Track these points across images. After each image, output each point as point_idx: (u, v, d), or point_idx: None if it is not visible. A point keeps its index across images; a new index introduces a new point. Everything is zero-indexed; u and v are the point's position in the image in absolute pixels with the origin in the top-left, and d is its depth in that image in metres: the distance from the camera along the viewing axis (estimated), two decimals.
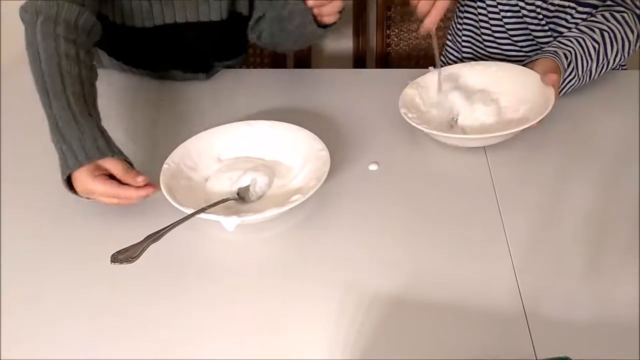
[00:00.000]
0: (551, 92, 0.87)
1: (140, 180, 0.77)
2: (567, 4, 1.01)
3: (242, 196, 0.82)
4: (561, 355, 0.56)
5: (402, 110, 0.91)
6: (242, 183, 0.83)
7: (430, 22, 0.90)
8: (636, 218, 0.75)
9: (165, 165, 0.83)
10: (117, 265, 0.67)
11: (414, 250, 0.73)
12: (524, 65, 0.96)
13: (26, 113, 0.97)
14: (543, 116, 0.84)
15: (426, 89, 0.98)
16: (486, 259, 0.71)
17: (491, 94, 0.96)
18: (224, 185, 0.84)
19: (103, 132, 0.81)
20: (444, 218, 0.78)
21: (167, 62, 1.14)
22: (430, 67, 1.01)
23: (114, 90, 1.12)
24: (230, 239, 0.77)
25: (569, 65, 0.93)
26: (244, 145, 0.92)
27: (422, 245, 0.74)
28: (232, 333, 0.64)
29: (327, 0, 0.95)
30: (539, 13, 1.04)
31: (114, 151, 0.79)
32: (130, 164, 0.81)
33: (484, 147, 0.90)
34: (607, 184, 0.81)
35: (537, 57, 0.96)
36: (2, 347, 0.64)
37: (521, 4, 1.04)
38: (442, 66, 1.01)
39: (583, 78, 0.96)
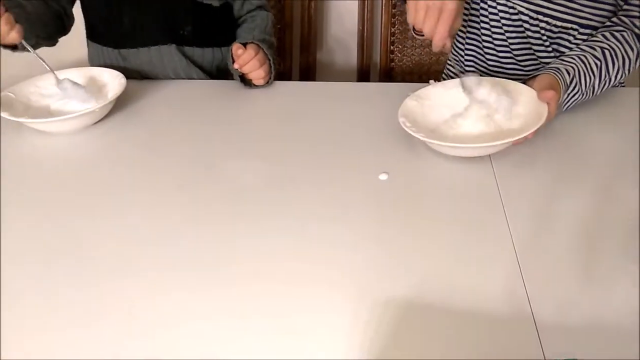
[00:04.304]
0: (544, 108, 0.90)
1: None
2: (569, 25, 1.05)
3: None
4: (570, 357, 0.58)
5: (401, 119, 0.93)
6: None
7: (439, 40, 0.88)
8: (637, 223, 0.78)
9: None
10: None
11: (425, 257, 0.75)
12: (525, 82, 0.99)
13: None
14: (538, 127, 0.86)
15: (427, 101, 1.00)
16: (494, 263, 0.74)
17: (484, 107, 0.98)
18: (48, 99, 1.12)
19: None
20: (453, 224, 0.80)
21: (136, 33, 1.21)
22: (430, 81, 1.03)
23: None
24: None
25: (571, 81, 0.96)
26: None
27: (432, 251, 0.76)
28: (245, 333, 0.66)
29: (254, 69, 1.12)
30: (542, 35, 1.07)
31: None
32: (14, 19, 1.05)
33: (489, 155, 0.93)
34: (608, 192, 0.84)
35: (539, 73, 0.99)
36: (2, 346, 0.65)
37: (525, 25, 1.08)
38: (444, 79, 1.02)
39: (586, 93, 1.00)
